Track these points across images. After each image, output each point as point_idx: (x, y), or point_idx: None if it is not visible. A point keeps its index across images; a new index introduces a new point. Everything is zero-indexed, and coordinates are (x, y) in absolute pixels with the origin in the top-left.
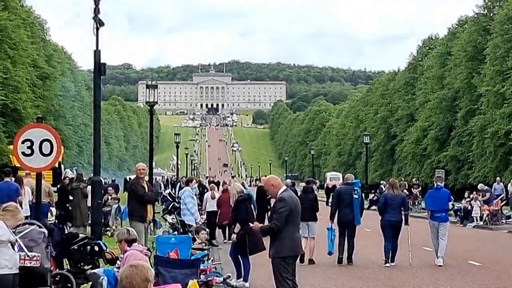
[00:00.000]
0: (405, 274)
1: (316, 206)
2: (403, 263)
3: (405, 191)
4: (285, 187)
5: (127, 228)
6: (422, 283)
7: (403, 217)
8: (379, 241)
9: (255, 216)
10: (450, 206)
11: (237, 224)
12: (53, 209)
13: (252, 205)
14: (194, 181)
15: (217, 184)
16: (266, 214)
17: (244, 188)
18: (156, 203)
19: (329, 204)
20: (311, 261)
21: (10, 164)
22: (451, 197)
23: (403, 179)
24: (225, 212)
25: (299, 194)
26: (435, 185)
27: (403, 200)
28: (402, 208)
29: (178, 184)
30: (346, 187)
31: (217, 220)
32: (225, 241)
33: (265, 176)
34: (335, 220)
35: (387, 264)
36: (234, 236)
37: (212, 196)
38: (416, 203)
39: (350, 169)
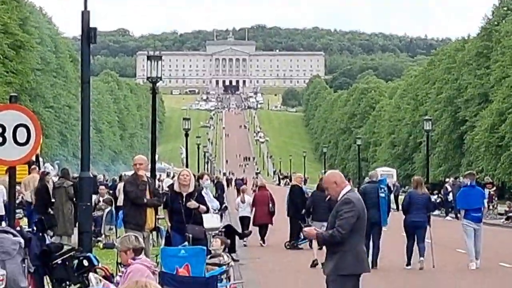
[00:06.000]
0: (428, 277)
1: (332, 205)
2: (426, 266)
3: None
4: (349, 187)
5: (134, 234)
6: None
7: (427, 218)
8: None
9: None
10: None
11: None
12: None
13: None
14: (205, 177)
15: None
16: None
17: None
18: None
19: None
20: (314, 263)
21: None
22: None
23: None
24: (262, 212)
25: (312, 192)
26: (469, 183)
27: (428, 199)
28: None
29: None
30: (371, 186)
31: (252, 223)
32: (263, 244)
33: (297, 174)
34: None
35: (409, 267)
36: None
37: (242, 200)
38: (491, 206)
39: (406, 164)
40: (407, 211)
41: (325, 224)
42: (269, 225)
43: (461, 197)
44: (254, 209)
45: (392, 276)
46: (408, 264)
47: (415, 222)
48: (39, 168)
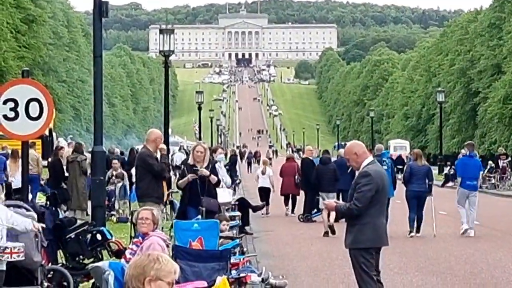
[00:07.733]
0: (430, 244)
1: (337, 176)
2: (428, 234)
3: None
4: (371, 158)
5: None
6: (451, 254)
7: (427, 187)
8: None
9: None
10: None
11: None
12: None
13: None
14: (219, 150)
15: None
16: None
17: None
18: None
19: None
20: (332, 229)
21: None
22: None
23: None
24: (289, 182)
25: (316, 165)
26: (467, 153)
27: (428, 170)
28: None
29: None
30: (376, 159)
31: (279, 193)
32: (292, 214)
33: (306, 146)
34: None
35: (412, 235)
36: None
37: (263, 172)
38: (505, 178)
39: (419, 135)
40: (408, 182)
41: (330, 195)
42: (297, 196)
43: (459, 165)
44: (281, 179)
45: (397, 243)
46: (411, 232)
47: (416, 192)
48: (52, 143)
